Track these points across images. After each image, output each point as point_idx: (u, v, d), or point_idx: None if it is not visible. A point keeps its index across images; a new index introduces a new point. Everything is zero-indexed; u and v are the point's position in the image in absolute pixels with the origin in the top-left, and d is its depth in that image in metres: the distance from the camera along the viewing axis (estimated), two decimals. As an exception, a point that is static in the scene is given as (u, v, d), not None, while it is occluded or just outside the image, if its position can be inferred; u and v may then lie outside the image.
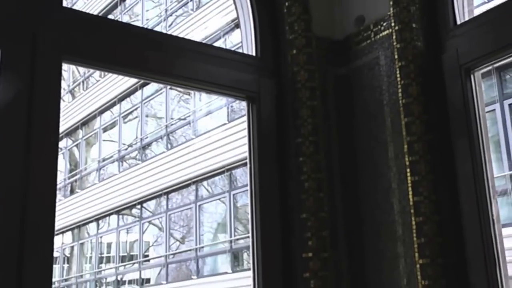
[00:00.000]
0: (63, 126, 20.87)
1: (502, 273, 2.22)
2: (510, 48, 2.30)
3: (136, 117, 19.39)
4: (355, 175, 2.64)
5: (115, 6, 20.05)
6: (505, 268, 2.24)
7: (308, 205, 2.49)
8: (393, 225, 2.44)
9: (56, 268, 21.75)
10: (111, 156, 19.89)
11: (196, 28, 15.62)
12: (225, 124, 15.51)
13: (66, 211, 20.64)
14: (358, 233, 2.59)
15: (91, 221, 20.35)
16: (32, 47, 2.13)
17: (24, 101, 2.09)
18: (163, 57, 2.45)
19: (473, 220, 2.26)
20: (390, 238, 2.45)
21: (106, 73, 19.90)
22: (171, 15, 18.01)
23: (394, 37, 2.53)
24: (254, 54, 2.76)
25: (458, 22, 2.47)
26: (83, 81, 21.73)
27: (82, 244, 21.17)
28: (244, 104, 2.73)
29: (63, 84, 21.76)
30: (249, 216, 2.60)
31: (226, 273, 15.23)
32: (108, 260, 20.24)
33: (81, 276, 21.02)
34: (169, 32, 15.13)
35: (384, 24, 2.63)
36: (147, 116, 19.18)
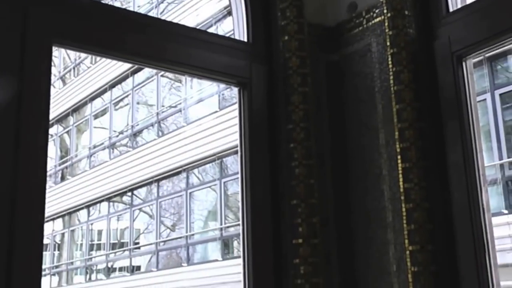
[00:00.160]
0: (54, 113, 20.79)
1: (491, 262, 2.23)
2: (502, 36, 2.30)
3: (127, 104, 19.34)
4: (345, 161, 2.65)
5: (106, -8, 19.94)
6: (495, 257, 2.25)
7: (298, 192, 2.49)
8: (383, 212, 2.44)
9: (47, 255, 21.72)
10: (102, 143, 19.85)
11: (188, 15, 15.56)
12: (216, 112, 15.49)
13: (56, 198, 20.61)
14: (348, 219, 2.59)
15: (82, 208, 20.32)
16: (22, 30, 2.11)
17: (14, 84, 2.07)
18: (154, 42, 2.43)
19: (463, 208, 2.27)
20: (380, 224, 2.45)
21: (97, 60, 19.84)
22: (162, 2, 17.93)
23: (386, 24, 2.53)
24: (246, 40, 2.75)
25: (451, 10, 2.47)
26: (74, 68, 21.64)
27: (72, 231, 21.16)
28: (235, 92, 2.72)
29: (54, 71, 21.66)
30: (240, 204, 2.60)
31: (216, 260, 15.25)
32: (99, 247, 20.23)
33: (72, 263, 21.02)
34: (160, 19, 15.03)
35: (377, 11, 2.62)
36: (138, 103, 19.13)
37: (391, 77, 2.47)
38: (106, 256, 19.39)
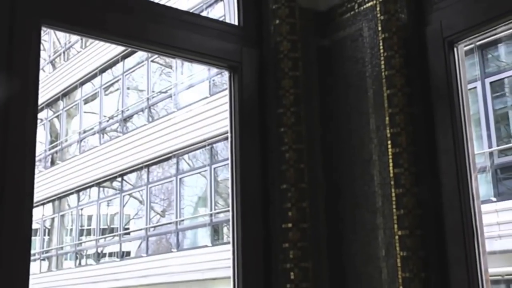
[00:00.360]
0: (44, 97, 20.72)
1: (480, 248, 2.23)
2: (494, 22, 2.29)
3: (118, 89, 19.28)
4: (336, 146, 2.64)
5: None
6: (483, 243, 2.26)
7: (288, 176, 2.49)
8: (373, 197, 2.44)
9: (37, 240, 21.71)
10: (92, 128, 19.80)
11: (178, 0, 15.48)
12: (206, 97, 15.46)
13: (46, 182, 20.57)
14: (338, 204, 2.59)
15: (72, 193, 20.30)
16: (10, 10, 2.09)
17: (3, 67, 2.05)
18: (144, 24, 2.42)
19: (452, 193, 2.27)
20: (369, 209, 2.45)
21: (87, 45, 19.75)
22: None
23: (378, 8, 2.52)
24: (237, 23, 2.73)
25: (443, -5, 2.46)
26: (64, 52, 21.53)
27: (62, 216, 21.14)
28: (226, 78, 2.71)
29: (44, 55, 21.55)
30: (229, 187, 2.60)
31: (206, 246, 15.28)
32: (89, 232, 20.23)
33: (62, 248, 21.01)
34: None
35: (368, -5, 2.61)
36: (128, 88, 19.08)
37: (382, 62, 2.46)
38: (96, 241, 19.40)
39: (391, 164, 2.34)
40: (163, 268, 15.93)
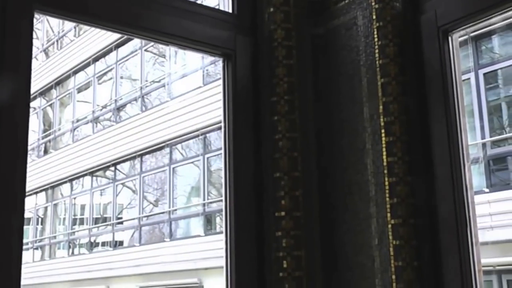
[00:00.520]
0: (37, 85, 20.67)
1: (473, 238, 2.23)
2: (489, 11, 2.28)
3: (111, 78, 19.23)
4: (329, 135, 2.63)
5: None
6: (476, 234, 2.26)
7: (281, 164, 2.48)
8: (366, 185, 2.44)
9: (30, 228, 21.70)
10: (85, 117, 19.76)
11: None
12: (200, 87, 15.44)
13: (39, 171, 20.54)
14: (331, 192, 2.58)
15: (65, 182, 20.28)
16: (3, -5, 2.07)
17: (-6, 53, 2.04)
18: (137, 11, 2.40)
19: (446, 183, 2.27)
20: (363, 198, 2.45)
21: (80, 33, 19.68)
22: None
23: (372, -3, 2.51)
24: (231, 11, 2.72)
25: (438, -17, 2.45)
26: (57, 41, 21.45)
27: (55, 205, 21.13)
28: (219, 68, 2.70)
29: (37, 43, 21.47)
30: (223, 175, 2.59)
31: (198, 236, 15.29)
32: (82, 221, 20.23)
33: (55, 237, 21.01)
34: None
35: (363, -17, 2.60)
36: (121, 77, 19.04)
37: (377, 51, 2.45)
38: (89, 230, 19.39)
39: (384, 153, 2.33)
40: (156, 257, 15.95)
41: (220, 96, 2.65)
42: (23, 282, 1.98)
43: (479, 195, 9.03)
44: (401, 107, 2.34)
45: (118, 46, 18.32)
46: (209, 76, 15.57)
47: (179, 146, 16.52)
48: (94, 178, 19.41)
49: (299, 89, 2.59)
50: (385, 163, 2.33)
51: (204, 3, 14.54)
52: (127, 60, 18.56)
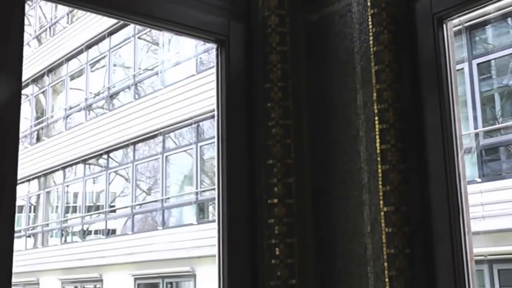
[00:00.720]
0: (29, 72, 20.59)
1: (465, 227, 2.23)
2: (483, -1, 2.27)
3: (104, 66, 19.17)
4: (323, 122, 2.63)
5: None
6: (468, 222, 2.26)
7: (274, 152, 2.47)
8: (359, 173, 2.43)
9: (22, 216, 21.68)
10: (78, 105, 19.71)
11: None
12: (193, 75, 15.40)
13: (32, 159, 20.49)
14: (323, 180, 2.58)
15: (58, 170, 20.24)
16: (-6, -22, 2.05)
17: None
18: (131, -4, 2.39)
19: (439, 171, 2.26)
20: (355, 185, 2.45)
21: (73, 20, 19.58)
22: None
23: (367, -17, 2.50)
24: (224, -3, 2.71)
25: (433, -30, 2.43)
26: (50, 27, 21.35)
27: (48, 192, 21.09)
28: (213, 56, 2.68)
29: (30, 30, 21.37)
30: (216, 161, 2.58)
31: (191, 224, 15.30)
32: (74, 209, 20.21)
33: (47, 225, 20.99)
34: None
35: (358, -30, 2.58)
36: (114, 65, 18.97)
37: (371, 38, 2.44)
38: (82, 218, 19.38)
39: (378, 141, 2.33)
40: (148, 246, 15.95)
41: (213, 84, 2.64)
42: (15, 270, 1.97)
43: (471, 185, 9.05)
44: (394, 94, 2.33)
45: (111, 33, 18.25)
46: (203, 65, 15.53)
47: (172, 134, 16.50)
48: (87, 166, 19.37)
49: (292, 76, 2.58)
50: (378, 151, 2.32)
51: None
52: (120, 47, 18.49)
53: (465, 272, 2.18)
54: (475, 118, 9.99)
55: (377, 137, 2.33)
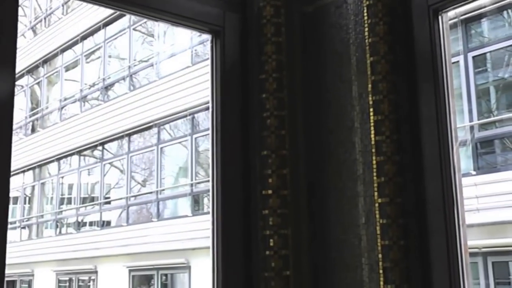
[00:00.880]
0: (24, 63, 20.51)
1: (460, 219, 2.23)
2: (479, -10, 2.27)
3: (99, 57, 19.12)
4: (318, 113, 2.62)
5: None
6: (463, 215, 2.26)
7: (269, 143, 2.47)
8: (354, 164, 2.43)
9: (17, 207, 21.65)
10: (73, 96, 19.66)
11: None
12: (188, 67, 15.37)
13: (27, 150, 20.45)
14: (318, 171, 2.58)
15: (52, 161, 20.20)
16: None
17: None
18: (125, -15, 2.37)
19: (434, 163, 2.26)
20: (350, 177, 2.44)
21: (68, 11, 19.52)
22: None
23: (362, -26, 2.49)
24: (219, -13, 2.70)
25: (429, -39, 2.42)
26: (45, 18, 21.27)
27: (43, 184, 21.06)
28: (208, 48, 2.67)
29: (25, 21, 21.30)
30: (210, 152, 2.57)
31: (186, 216, 15.30)
32: (69, 201, 20.18)
33: (42, 216, 20.96)
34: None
35: (353, -39, 2.57)
36: (110, 56, 18.92)
37: (366, 29, 2.43)
38: (77, 210, 19.36)
39: (372, 132, 2.32)
40: (143, 237, 15.95)
41: (209, 76, 2.63)
42: (10, 261, 1.96)
43: (466, 178, 9.06)
44: (390, 85, 2.33)
45: (106, 24, 18.19)
46: (198, 56, 15.50)
47: (167, 126, 16.48)
48: (82, 157, 19.34)
49: (287, 67, 2.57)
50: (373, 142, 2.32)
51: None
52: (115, 39, 18.44)
53: (459, 264, 2.19)
54: (470, 111, 9.99)
55: (372, 128, 2.33)
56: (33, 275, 20.10)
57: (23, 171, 21.30)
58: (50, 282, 19.37)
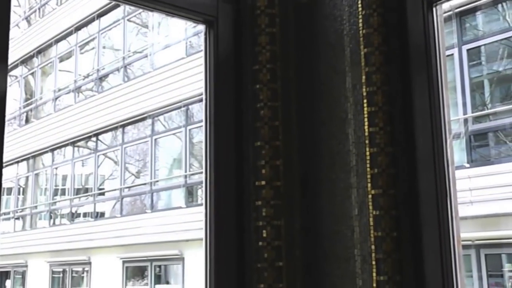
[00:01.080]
0: (18, 53, 20.45)
1: (452, 211, 2.23)
2: (473, -18, 2.26)
3: (93, 48, 19.07)
4: (311, 104, 2.62)
5: None
6: (456, 206, 2.26)
7: (262, 133, 2.46)
8: (347, 155, 2.43)
9: (11, 198, 21.63)
10: (67, 87, 19.62)
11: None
12: (183, 58, 15.35)
13: (21, 140, 20.41)
14: (312, 162, 2.57)
15: (46, 152, 20.17)
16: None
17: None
18: (119, -25, 2.36)
19: (427, 155, 2.26)
20: (343, 168, 2.44)
21: (62, 1, 19.45)
22: None
23: (357, -35, 2.48)
24: (214, -23, 2.68)
25: (423, -48, 2.42)
26: (39, 8, 21.20)
27: (37, 175, 21.03)
28: (202, 40, 2.66)
29: (19, 11, 21.22)
30: (203, 148, 2.57)
31: (180, 207, 15.30)
32: (63, 192, 20.17)
33: (36, 207, 20.94)
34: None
35: (348, -49, 2.56)
36: (104, 47, 18.88)
37: (360, 20, 2.42)
38: (70, 201, 19.35)
39: (366, 123, 2.32)
40: (137, 229, 15.95)
41: (203, 67, 2.62)
42: (4, 252, 1.96)
43: (459, 170, 9.08)
44: (383, 77, 2.33)
45: (100, 15, 18.15)
46: (192, 48, 15.47)
47: (161, 117, 16.46)
48: (76, 148, 19.31)
49: (281, 58, 2.56)
50: (366, 133, 2.32)
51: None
52: (109, 29, 18.39)
53: (452, 256, 2.19)
54: (464, 104, 10.00)
55: (366, 119, 2.33)
56: (26, 266, 20.09)
57: (17, 162, 21.27)
58: (43, 273, 19.38)
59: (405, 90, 2.34)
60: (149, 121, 16.48)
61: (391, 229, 2.22)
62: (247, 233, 2.46)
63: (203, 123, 2.58)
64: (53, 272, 19.35)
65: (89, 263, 17.92)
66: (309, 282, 2.51)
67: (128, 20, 17.62)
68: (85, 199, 19.23)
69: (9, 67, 2.10)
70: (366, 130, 2.32)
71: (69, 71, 19.76)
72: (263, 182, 2.43)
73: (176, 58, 15.59)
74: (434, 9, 2.36)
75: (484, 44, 10.25)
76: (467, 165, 9.64)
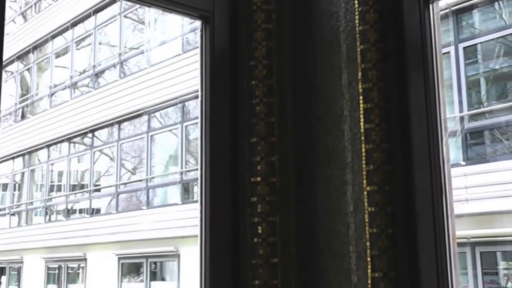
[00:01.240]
0: (14, 49, 20.41)
1: (448, 208, 2.23)
2: (470, -21, 2.26)
3: (89, 44, 19.04)
4: (307, 100, 2.62)
5: None
6: (451, 203, 2.26)
7: (258, 130, 2.46)
8: (343, 152, 2.43)
9: (7, 194, 21.60)
10: (63, 83, 19.59)
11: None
12: (179, 55, 15.33)
13: (16, 136, 20.38)
14: (307, 159, 2.57)
15: (42, 148, 20.14)
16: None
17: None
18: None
19: (423, 152, 2.26)
20: (339, 164, 2.44)
21: (59, -3, 19.41)
22: None
23: (353, -39, 2.47)
24: (210, -28, 2.67)
25: None
26: (35, 4, 21.16)
27: (32, 171, 20.99)
28: (199, 36, 2.66)
29: (15, 6, 21.17)
30: (199, 144, 2.56)
31: (176, 204, 15.30)
32: (59, 188, 20.14)
33: (31, 203, 20.91)
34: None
35: None
36: (100, 43, 18.85)
37: (357, 17, 2.42)
38: (66, 197, 19.33)
39: (362, 120, 2.32)
40: (133, 225, 15.94)
41: (199, 63, 2.62)
42: None
43: (455, 168, 9.09)
44: (379, 73, 2.32)
45: (97, 11, 18.12)
46: (189, 44, 15.46)
47: (157, 113, 16.44)
48: (72, 144, 19.29)
49: (277, 54, 2.56)
50: (362, 130, 2.31)
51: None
52: (106, 25, 18.37)
53: (447, 254, 2.19)
54: (460, 102, 10.01)
55: (361, 116, 2.32)
56: (22, 262, 20.07)
57: (13, 158, 21.23)
58: (39, 269, 19.36)
59: (401, 87, 2.34)
60: (145, 117, 16.47)
61: (386, 226, 2.22)
62: (242, 229, 2.45)
63: (199, 117, 2.58)
64: (48, 268, 19.33)
65: (85, 260, 17.91)
66: (304, 279, 2.51)
67: (124, 16, 17.59)
68: (81, 195, 19.21)
69: (4, 62, 2.09)
70: (362, 126, 2.31)
71: (65, 67, 19.72)
72: (258, 178, 2.42)
73: (172, 54, 15.58)
74: (430, 6, 2.36)
75: (481, 42, 10.26)
76: (463, 163, 9.65)
